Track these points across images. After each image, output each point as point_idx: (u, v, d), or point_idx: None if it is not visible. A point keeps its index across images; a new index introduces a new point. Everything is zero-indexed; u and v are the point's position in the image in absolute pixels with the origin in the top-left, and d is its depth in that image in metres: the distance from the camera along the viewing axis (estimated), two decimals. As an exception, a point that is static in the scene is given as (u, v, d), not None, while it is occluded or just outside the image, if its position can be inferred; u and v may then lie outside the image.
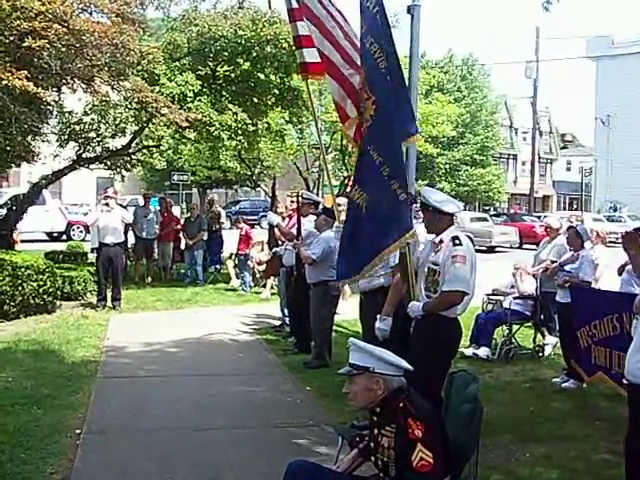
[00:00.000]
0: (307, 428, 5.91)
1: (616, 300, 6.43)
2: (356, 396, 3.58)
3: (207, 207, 16.05)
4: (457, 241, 4.78)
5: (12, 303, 10.11)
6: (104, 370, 7.78)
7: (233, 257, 15.09)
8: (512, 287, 9.18)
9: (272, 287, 13.12)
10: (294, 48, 7.15)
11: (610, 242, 9.96)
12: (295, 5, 6.53)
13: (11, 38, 10.33)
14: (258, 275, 14.57)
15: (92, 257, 13.28)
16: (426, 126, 27.99)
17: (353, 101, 5.86)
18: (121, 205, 14.18)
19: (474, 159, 46.97)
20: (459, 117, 38.20)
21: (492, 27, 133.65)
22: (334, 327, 8.64)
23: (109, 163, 15.12)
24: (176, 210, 21.10)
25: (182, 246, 15.93)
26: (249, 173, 28.37)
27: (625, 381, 4.24)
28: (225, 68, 14.54)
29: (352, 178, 5.31)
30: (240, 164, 25.92)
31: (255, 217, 35.58)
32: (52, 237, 25.39)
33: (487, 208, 49.29)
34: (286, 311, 9.95)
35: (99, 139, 14.55)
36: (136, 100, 12.29)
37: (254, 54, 13.93)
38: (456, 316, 4.89)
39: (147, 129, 14.57)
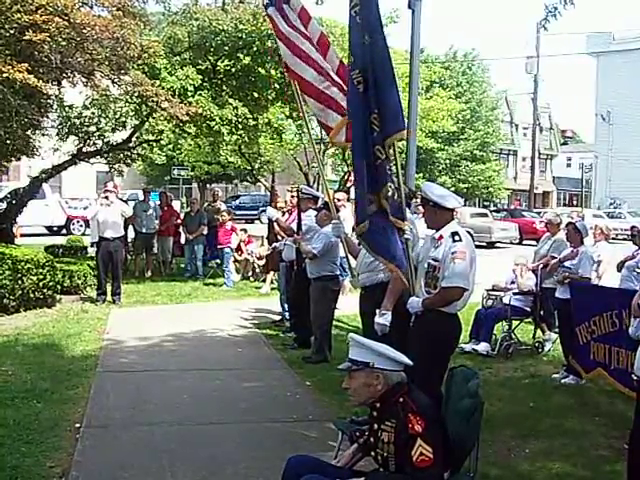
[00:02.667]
0: (307, 423, 5.91)
1: (615, 296, 6.43)
2: (356, 391, 3.57)
3: (210, 200, 16.02)
4: (457, 237, 4.76)
5: (12, 297, 10.10)
6: (104, 364, 7.77)
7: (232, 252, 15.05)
8: (512, 283, 9.18)
9: (272, 282, 13.11)
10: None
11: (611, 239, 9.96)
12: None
13: (12, 31, 10.33)
14: (258, 270, 14.58)
15: (92, 251, 13.28)
16: (426, 121, 27.88)
17: (335, 109, 5.89)
18: (121, 199, 14.19)
19: (474, 155, 46.85)
20: (459, 113, 38.08)
21: (492, 23, 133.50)
22: (334, 322, 8.64)
23: (109, 157, 15.13)
24: (176, 205, 21.12)
25: (182, 240, 15.95)
26: (249, 168, 28.33)
27: (635, 377, 4.24)
28: (226, 62, 14.52)
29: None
30: (240, 159, 25.90)
31: (255, 212, 35.69)
32: (52, 231, 25.43)
33: (487, 204, 49.24)
34: (286, 306, 9.97)
35: (99, 133, 14.57)
36: (136, 94, 12.29)
37: (255, 48, 13.91)
38: (455, 312, 4.88)
39: (147, 123, 14.57)
